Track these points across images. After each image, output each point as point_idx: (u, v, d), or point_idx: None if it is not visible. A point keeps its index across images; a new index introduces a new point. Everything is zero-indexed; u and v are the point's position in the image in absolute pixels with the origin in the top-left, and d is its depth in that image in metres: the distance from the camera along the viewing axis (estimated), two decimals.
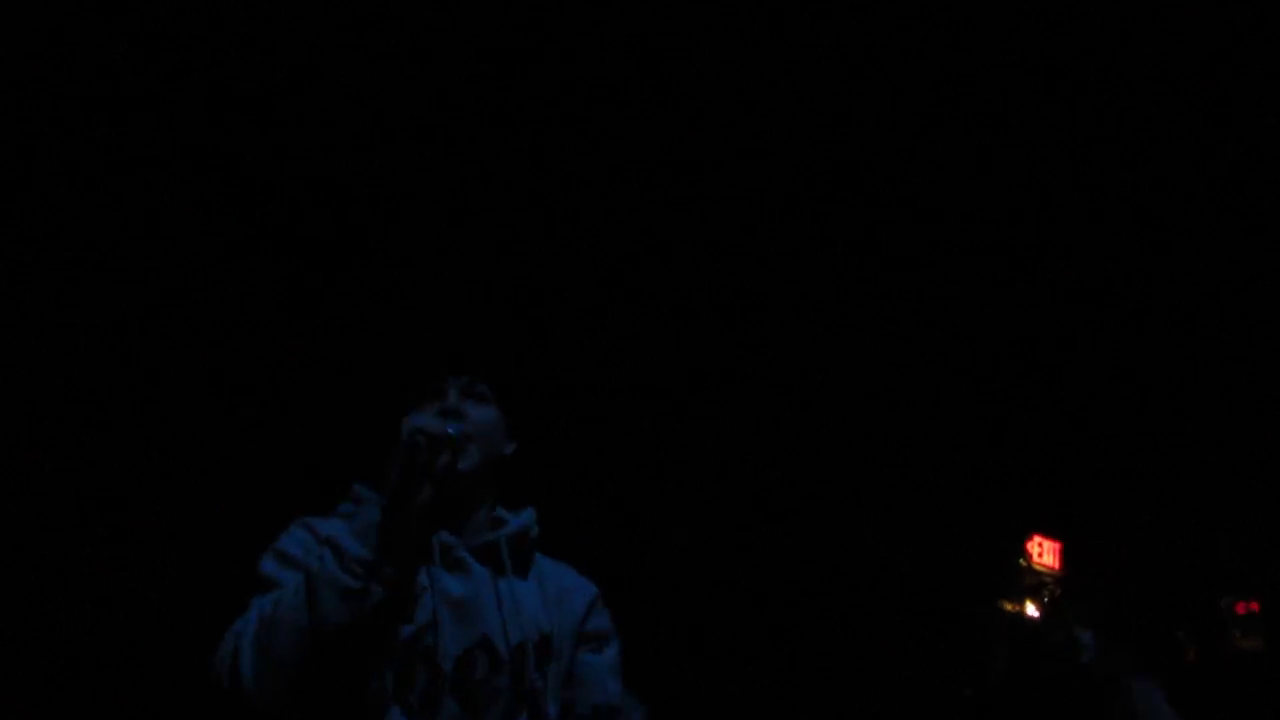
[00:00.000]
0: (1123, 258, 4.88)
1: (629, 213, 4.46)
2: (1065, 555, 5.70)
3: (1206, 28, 4.09)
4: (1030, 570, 5.64)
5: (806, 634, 5.09)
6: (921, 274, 4.86)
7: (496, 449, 1.92)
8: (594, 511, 4.42)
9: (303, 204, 4.15)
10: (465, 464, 1.75)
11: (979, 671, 5.18)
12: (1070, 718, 3.83)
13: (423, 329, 4.22)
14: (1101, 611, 3.88)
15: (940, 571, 5.51)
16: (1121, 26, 4.14)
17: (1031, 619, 5.40)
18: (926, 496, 5.54)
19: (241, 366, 4.12)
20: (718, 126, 4.43)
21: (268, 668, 1.52)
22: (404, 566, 1.57)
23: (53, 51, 3.66)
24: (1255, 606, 5.30)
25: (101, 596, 3.77)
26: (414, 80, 4.05)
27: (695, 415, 5.07)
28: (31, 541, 3.83)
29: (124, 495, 3.94)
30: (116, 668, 3.66)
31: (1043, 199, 4.72)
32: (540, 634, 1.79)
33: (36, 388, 3.87)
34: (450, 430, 1.66)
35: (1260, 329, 5.09)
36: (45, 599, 3.79)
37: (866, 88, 4.47)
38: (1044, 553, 5.66)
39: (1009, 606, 5.48)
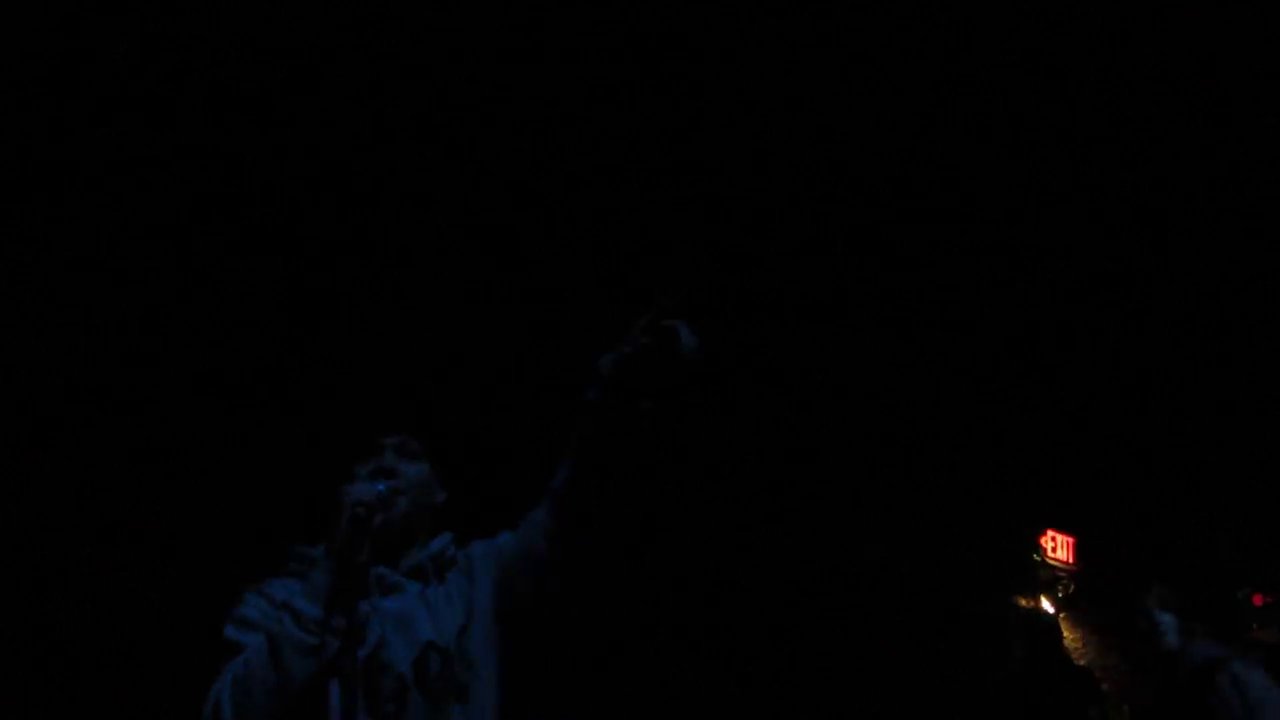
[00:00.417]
0: (1136, 252, 4.87)
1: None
2: (1079, 550, 5.69)
3: (1205, 27, 4.08)
4: (1044, 565, 5.63)
5: (808, 634, 5.09)
6: (933, 268, 4.84)
7: (427, 498, 2.22)
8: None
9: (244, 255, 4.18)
10: (394, 513, 2.07)
11: (994, 667, 5.19)
12: (1163, 703, 3.80)
13: (360, 389, 4.27)
14: (1181, 594, 3.82)
15: (953, 569, 5.51)
16: (1121, 26, 4.14)
17: (1046, 614, 5.40)
18: (939, 494, 5.55)
19: (184, 432, 4.18)
20: (690, 128, 4.45)
21: (245, 714, 1.84)
22: (351, 613, 1.91)
23: (51, 51, 3.67)
24: (1273, 598, 5.31)
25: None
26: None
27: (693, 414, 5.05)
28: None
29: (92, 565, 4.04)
30: None
31: (1046, 192, 4.71)
32: (463, 621, 2.10)
33: None
34: (380, 489, 2.01)
35: (1273, 322, 5.08)
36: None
37: (865, 87, 4.47)
38: (1058, 547, 5.65)
39: (1024, 602, 5.48)
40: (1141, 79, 4.37)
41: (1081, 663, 5.17)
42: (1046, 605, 5.50)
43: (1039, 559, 5.56)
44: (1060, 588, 5.61)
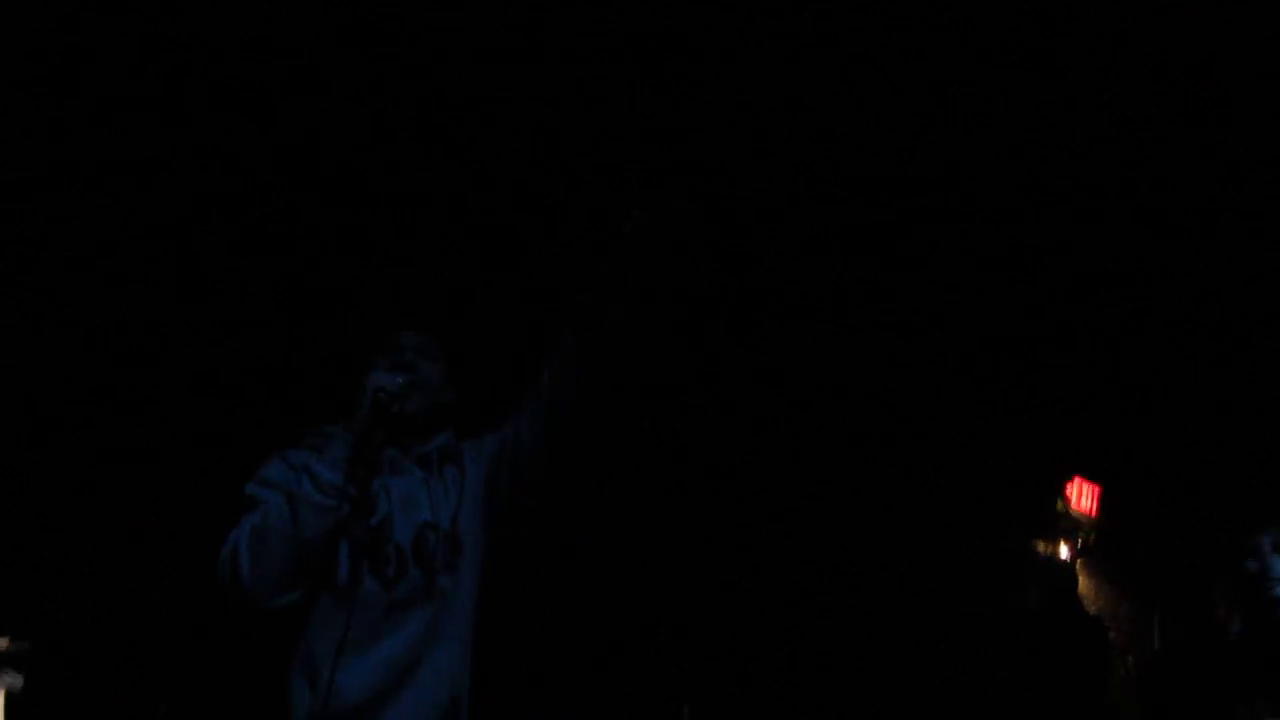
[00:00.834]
0: (1167, 203, 4.84)
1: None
2: (1103, 500, 5.70)
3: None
4: (1067, 514, 5.65)
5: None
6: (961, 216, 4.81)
7: (439, 396, 2.45)
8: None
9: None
10: (409, 407, 2.31)
11: (1010, 609, 5.24)
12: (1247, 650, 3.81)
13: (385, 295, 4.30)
14: None
15: (981, 514, 5.55)
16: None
17: (1063, 562, 5.44)
18: (968, 437, 5.59)
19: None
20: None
21: (261, 564, 2.08)
22: (364, 484, 2.18)
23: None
24: None
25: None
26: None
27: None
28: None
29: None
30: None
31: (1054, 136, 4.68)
32: (455, 507, 2.37)
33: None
34: (400, 380, 2.26)
35: None
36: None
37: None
38: (1082, 496, 5.67)
39: (1043, 547, 5.51)
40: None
41: (1093, 610, 5.21)
42: (1064, 552, 5.53)
43: (1062, 507, 5.58)
44: (1080, 536, 5.64)
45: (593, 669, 4.60)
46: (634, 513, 4.86)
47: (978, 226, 4.99)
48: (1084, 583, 5.28)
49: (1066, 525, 5.57)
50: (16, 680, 3.79)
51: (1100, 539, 5.48)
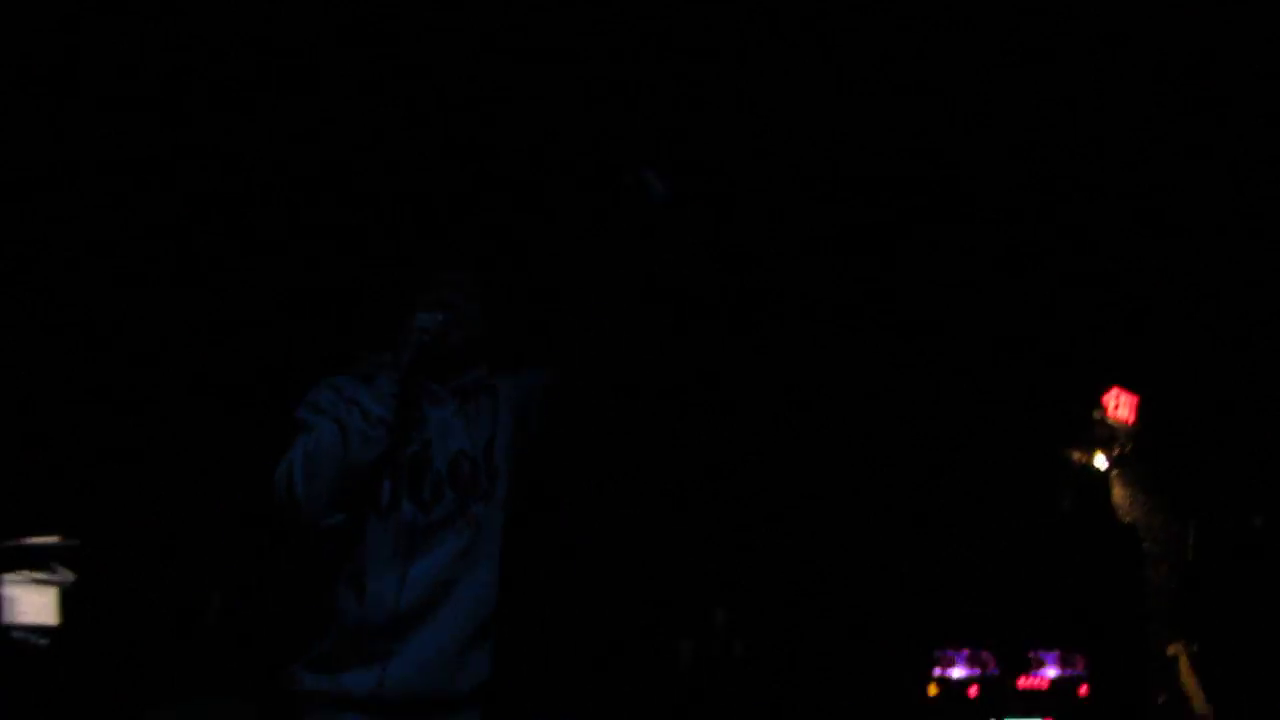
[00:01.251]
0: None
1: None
2: (1141, 410, 5.60)
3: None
4: (1104, 423, 5.57)
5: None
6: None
7: (475, 331, 2.50)
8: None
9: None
10: (449, 340, 2.39)
11: (1042, 512, 5.25)
12: None
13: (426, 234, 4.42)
14: None
15: (1018, 423, 5.53)
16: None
17: (1098, 470, 5.40)
18: (1013, 345, 5.55)
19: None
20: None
21: (312, 486, 2.25)
22: (408, 415, 2.33)
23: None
24: None
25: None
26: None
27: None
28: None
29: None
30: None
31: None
32: (490, 435, 2.47)
33: None
34: (441, 318, 2.36)
35: None
36: None
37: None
38: (1120, 406, 5.57)
39: (1078, 456, 5.47)
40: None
41: (1127, 520, 5.19)
42: (1100, 461, 5.47)
43: (1099, 415, 5.50)
44: (1116, 445, 5.56)
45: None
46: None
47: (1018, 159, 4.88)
48: (1119, 492, 5.22)
49: (1103, 434, 5.48)
50: (68, 576, 4.08)
51: (1137, 448, 5.39)
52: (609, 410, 2.61)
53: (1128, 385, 5.40)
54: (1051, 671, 5.11)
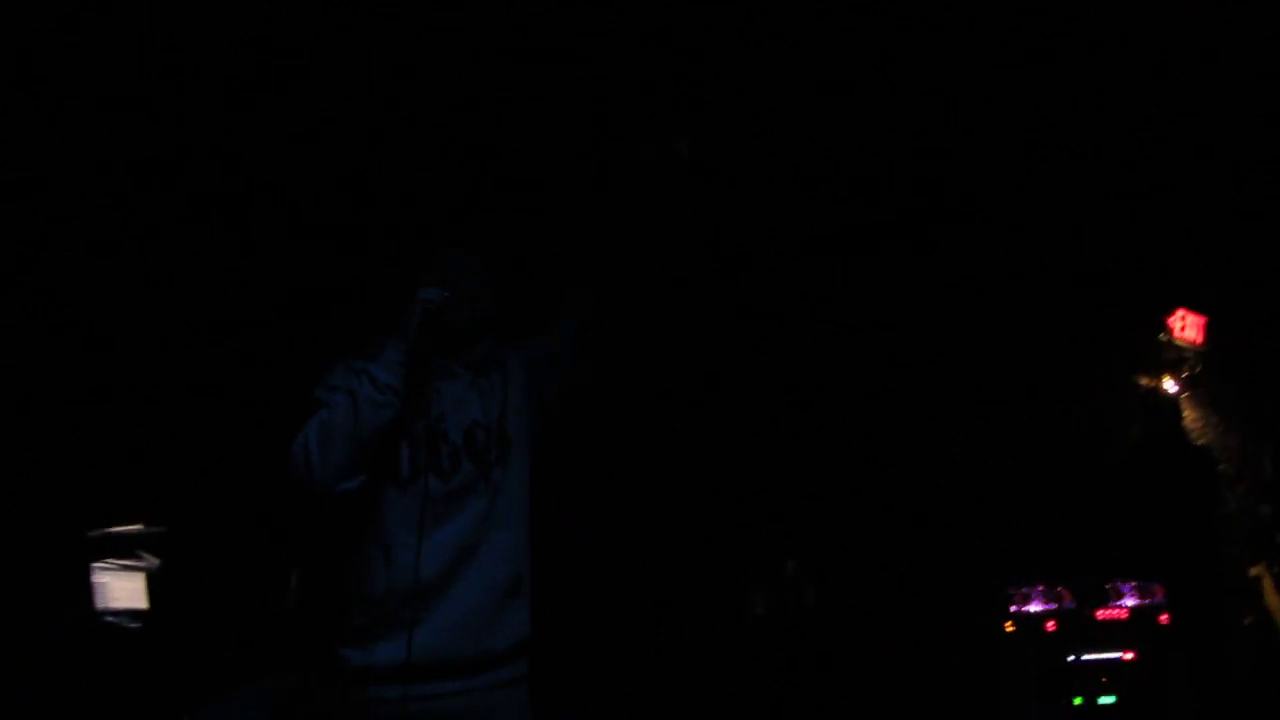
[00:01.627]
0: None
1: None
2: (1209, 330, 5.45)
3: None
4: (1171, 344, 5.42)
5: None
6: None
7: (483, 308, 2.68)
8: None
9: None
10: (456, 319, 2.56)
11: (1109, 442, 5.18)
12: None
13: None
14: None
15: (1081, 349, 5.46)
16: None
17: (1167, 394, 5.28)
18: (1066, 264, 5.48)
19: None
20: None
21: (326, 454, 2.38)
22: (415, 386, 2.48)
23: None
24: None
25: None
26: None
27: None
28: None
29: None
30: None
31: None
32: (503, 406, 2.63)
33: None
34: (447, 294, 2.51)
35: None
36: None
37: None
38: (1186, 327, 5.41)
39: (1145, 381, 5.35)
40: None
41: (1200, 443, 5.07)
42: (1169, 385, 5.34)
43: (1165, 338, 5.36)
44: (1185, 368, 5.40)
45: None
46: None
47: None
48: (1190, 415, 5.08)
49: (1171, 356, 5.33)
50: (154, 562, 4.28)
51: (1207, 369, 5.24)
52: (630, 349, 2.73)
53: (1193, 305, 5.25)
54: (1130, 601, 5.04)
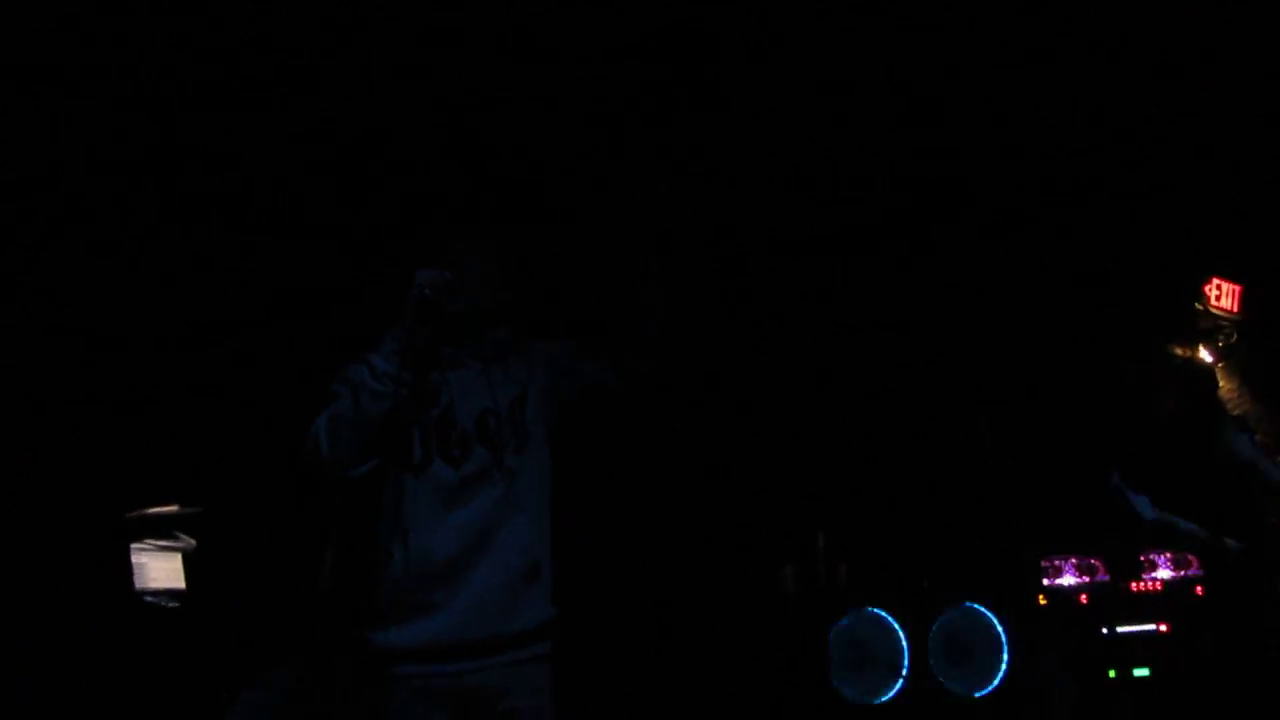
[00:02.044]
0: None
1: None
2: (1245, 299, 5.37)
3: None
4: (1206, 314, 5.36)
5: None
6: None
7: (490, 295, 2.68)
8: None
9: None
10: (455, 305, 2.54)
11: (1145, 413, 5.14)
12: None
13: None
14: None
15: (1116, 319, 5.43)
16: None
17: (1203, 363, 5.22)
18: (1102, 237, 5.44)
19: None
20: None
21: (334, 442, 2.45)
22: (417, 373, 2.48)
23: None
24: None
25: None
26: None
27: None
28: None
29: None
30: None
31: None
32: (518, 394, 2.68)
33: None
34: (445, 276, 2.50)
35: None
36: None
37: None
38: (1222, 296, 5.34)
39: (1180, 351, 5.29)
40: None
41: (1236, 413, 5.01)
42: (1205, 354, 5.27)
43: (1201, 307, 5.29)
44: (1221, 337, 5.33)
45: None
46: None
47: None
48: (1226, 384, 5.02)
49: (1206, 325, 5.26)
50: (190, 543, 4.36)
51: (1243, 337, 5.16)
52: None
53: (1228, 275, 5.17)
54: (1164, 574, 4.99)
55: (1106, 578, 5.00)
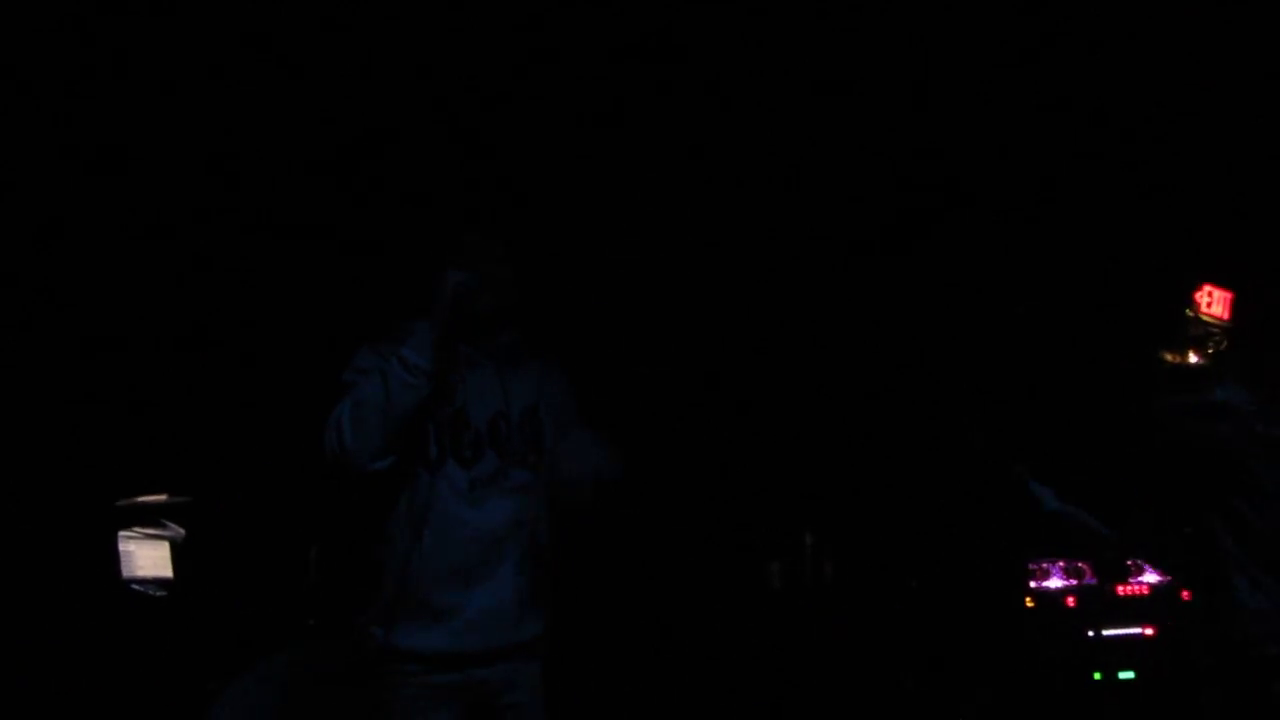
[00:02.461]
0: None
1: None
2: (1236, 306, 5.38)
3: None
4: (1197, 320, 5.37)
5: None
6: None
7: (507, 296, 2.74)
8: None
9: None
10: (480, 305, 2.62)
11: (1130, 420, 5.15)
12: None
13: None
14: None
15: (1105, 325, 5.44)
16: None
17: (1191, 369, 5.23)
18: (1088, 243, 5.46)
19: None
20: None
21: (359, 432, 2.44)
22: (444, 368, 2.55)
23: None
24: None
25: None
26: None
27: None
28: None
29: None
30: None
31: None
32: (530, 404, 2.72)
33: None
34: (473, 277, 2.57)
35: None
36: None
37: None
38: (1213, 303, 5.35)
39: (1170, 357, 5.30)
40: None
41: None
42: (1194, 360, 5.29)
43: (1191, 314, 5.30)
44: (1212, 343, 5.35)
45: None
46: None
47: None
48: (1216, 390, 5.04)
49: (1197, 331, 5.28)
50: (179, 532, 4.35)
51: (1233, 345, 5.18)
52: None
53: (1220, 281, 5.19)
54: (1152, 577, 5.01)
55: (1094, 581, 5.01)
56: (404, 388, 2.45)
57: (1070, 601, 5.01)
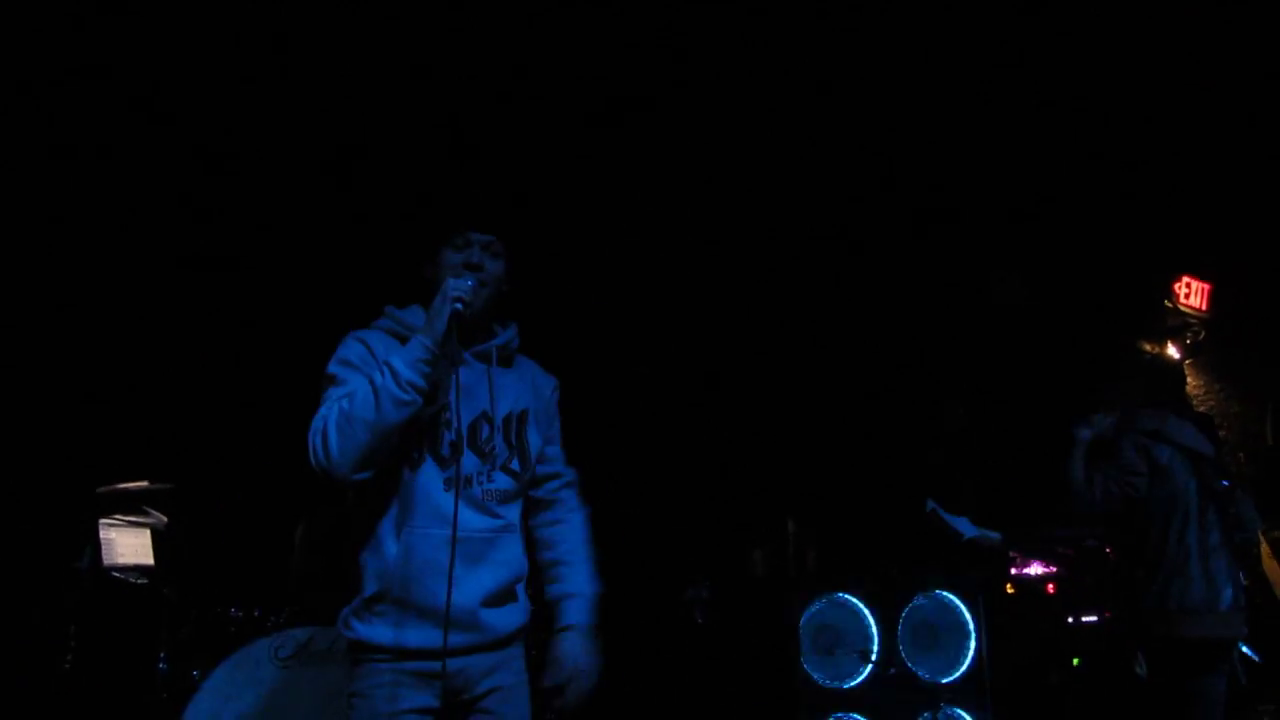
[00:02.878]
0: None
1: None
2: (1214, 297, 5.42)
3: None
4: (1175, 311, 5.42)
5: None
6: None
7: (501, 290, 2.68)
8: None
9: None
10: (476, 303, 2.54)
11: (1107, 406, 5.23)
12: None
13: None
14: None
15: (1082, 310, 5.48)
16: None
17: (1170, 359, 5.27)
18: (1074, 236, 5.50)
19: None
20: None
21: (347, 443, 2.37)
22: (437, 380, 2.46)
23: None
24: None
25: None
26: None
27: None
28: None
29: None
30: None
31: None
32: (516, 409, 2.67)
33: None
34: (471, 283, 2.51)
35: None
36: None
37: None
38: (1192, 294, 5.40)
39: (1148, 347, 5.35)
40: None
41: (1202, 409, 5.06)
42: (1173, 351, 5.34)
43: (1170, 304, 5.35)
44: (1189, 334, 5.40)
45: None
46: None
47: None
48: (1194, 381, 5.10)
49: (1175, 323, 5.34)
50: (160, 519, 4.32)
51: (1211, 336, 5.24)
52: None
53: (1198, 273, 5.25)
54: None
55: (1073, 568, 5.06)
56: (396, 405, 2.36)
57: (1050, 588, 5.05)
